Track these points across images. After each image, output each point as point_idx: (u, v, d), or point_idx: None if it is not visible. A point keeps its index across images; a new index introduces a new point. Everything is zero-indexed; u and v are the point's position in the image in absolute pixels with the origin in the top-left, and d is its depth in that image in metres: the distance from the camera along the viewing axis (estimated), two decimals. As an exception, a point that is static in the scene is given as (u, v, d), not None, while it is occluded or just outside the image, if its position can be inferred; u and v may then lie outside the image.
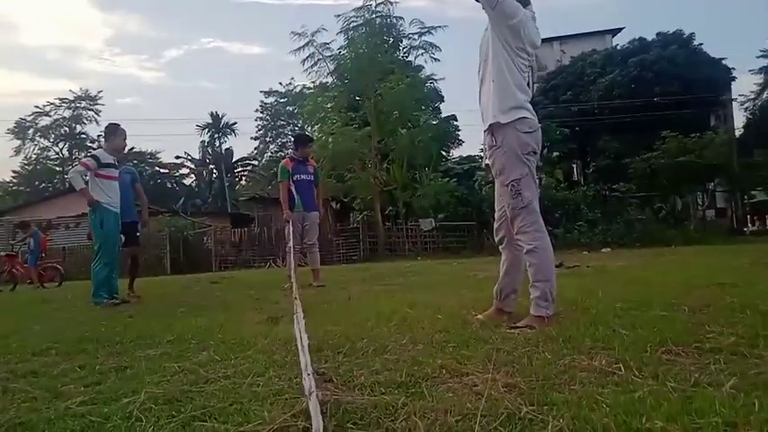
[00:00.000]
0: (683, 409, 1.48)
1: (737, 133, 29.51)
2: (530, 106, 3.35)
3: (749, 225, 31.69)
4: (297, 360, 2.47)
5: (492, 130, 3.31)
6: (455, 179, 25.12)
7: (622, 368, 1.99)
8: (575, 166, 31.62)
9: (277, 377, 2.22)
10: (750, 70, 32.09)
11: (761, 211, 33.77)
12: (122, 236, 7.14)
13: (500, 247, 3.58)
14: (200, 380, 2.25)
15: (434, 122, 26.69)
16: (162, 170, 59.44)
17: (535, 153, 3.33)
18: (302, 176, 7.84)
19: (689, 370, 1.92)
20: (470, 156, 34.12)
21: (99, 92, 58.02)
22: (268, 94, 56.52)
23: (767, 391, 1.61)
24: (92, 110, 56.69)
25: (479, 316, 3.44)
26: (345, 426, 1.59)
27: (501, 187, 3.37)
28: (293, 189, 7.81)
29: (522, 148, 3.24)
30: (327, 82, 25.98)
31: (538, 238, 3.24)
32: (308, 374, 1.94)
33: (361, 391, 1.95)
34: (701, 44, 27.99)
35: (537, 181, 3.41)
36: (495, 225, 3.56)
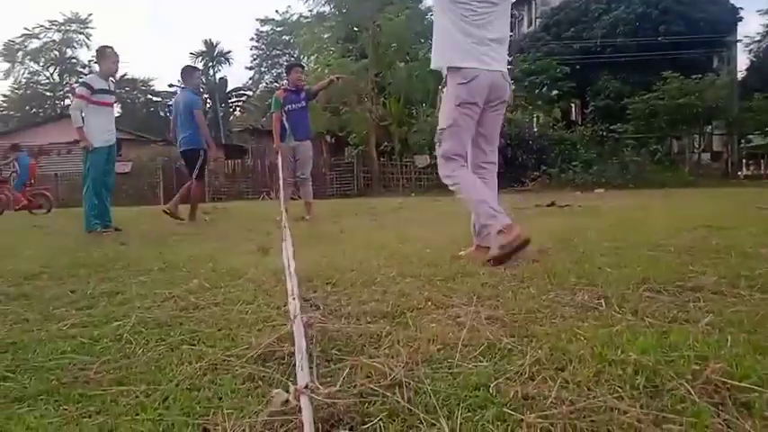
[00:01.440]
0: (657, 342, 1.52)
1: (740, 76, 29.07)
2: (477, 52, 3.24)
3: (743, 169, 31.68)
4: (286, 289, 2.51)
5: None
6: (452, 116, 24.84)
7: (604, 304, 2.03)
8: (573, 105, 31.24)
9: (266, 305, 2.25)
10: (758, 11, 31.30)
11: (756, 155, 33.66)
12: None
13: None
14: (190, 306, 2.28)
15: (433, 57, 26.12)
16: (155, 98, 58.38)
17: (472, 104, 3.26)
18: (293, 106, 7.72)
19: (668, 307, 1.97)
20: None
21: (89, 15, 56.32)
22: (264, 22, 55.02)
23: (741, 327, 1.66)
24: (82, 33, 55.13)
25: (462, 253, 3.45)
26: (329, 352, 1.63)
27: None
28: (284, 120, 7.72)
29: (454, 99, 3.23)
30: (325, 11, 25.33)
31: (457, 181, 3.31)
32: (293, 299, 1.97)
33: (348, 320, 1.99)
34: (710, -20, 27.20)
35: (473, 132, 3.37)
36: None
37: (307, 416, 1.05)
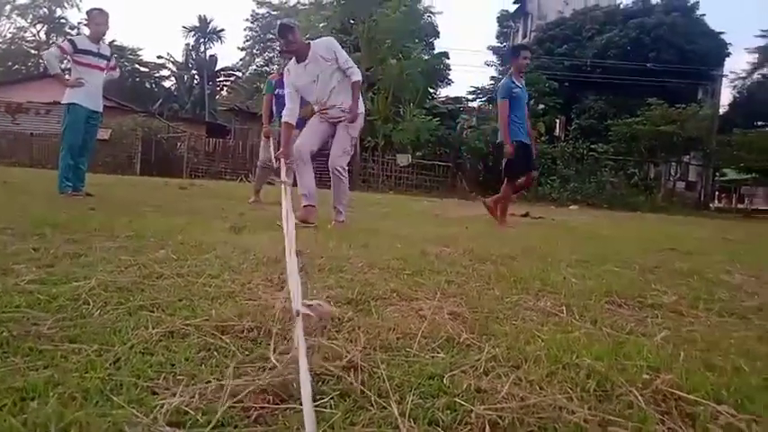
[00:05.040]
0: (612, 351, 1.54)
1: (722, 110, 29.63)
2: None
3: (715, 201, 32.32)
4: (252, 268, 2.51)
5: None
6: (438, 118, 24.90)
7: (565, 311, 2.06)
8: (558, 121, 31.58)
9: (231, 281, 2.23)
10: (746, 48, 32.04)
11: (729, 189, 34.38)
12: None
13: None
14: (154, 274, 2.25)
15: (426, 57, 26.18)
16: (142, 68, 57.43)
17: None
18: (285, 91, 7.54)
19: (627, 320, 2.00)
20: (458, 97, 33.81)
21: (82, -26, 54.97)
22: (261, 4, 54.53)
23: (695, 345, 1.69)
24: (73, -8, 53.78)
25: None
26: (289, 331, 1.63)
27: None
28: (273, 105, 7.58)
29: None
30: (323, 0, 25.17)
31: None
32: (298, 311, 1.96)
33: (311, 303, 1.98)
34: (704, 15, 27.79)
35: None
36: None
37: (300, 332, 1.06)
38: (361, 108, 5.02)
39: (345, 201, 5.09)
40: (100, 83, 6.47)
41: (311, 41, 4.99)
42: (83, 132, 6.37)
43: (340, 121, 5.00)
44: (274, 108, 7.54)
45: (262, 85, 7.92)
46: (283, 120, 5.21)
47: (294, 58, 4.98)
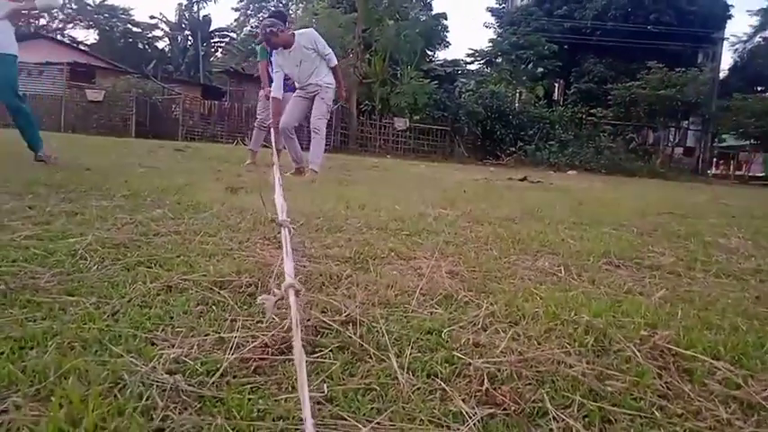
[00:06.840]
0: (610, 308, 1.55)
1: (722, 75, 29.30)
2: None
3: (713, 168, 32.22)
4: (249, 227, 2.50)
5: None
6: (436, 81, 24.57)
7: (563, 271, 2.06)
8: (557, 84, 31.25)
9: (228, 239, 2.23)
10: (748, 11, 31.43)
11: (727, 155, 34.25)
12: None
13: None
14: (151, 232, 2.24)
15: (423, 18, 25.75)
16: (134, 28, 56.34)
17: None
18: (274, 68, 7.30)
19: (624, 280, 2.00)
20: (455, 59, 33.31)
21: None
22: (254, -37, 53.36)
23: (692, 304, 1.70)
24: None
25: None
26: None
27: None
28: (271, 70, 7.43)
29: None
30: (320, -39, 24.64)
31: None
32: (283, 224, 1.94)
33: (309, 261, 1.98)
34: (706, -26, 27.18)
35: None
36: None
37: (294, 311, 1.04)
38: (331, 80, 5.98)
39: (320, 156, 6.06)
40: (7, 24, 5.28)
41: (294, 33, 5.87)
42: (7, 81, 5.41)
43: (316, 94, 5.99)
44: (272, 72, 7.39)
45: (257, 47, 7.86)
46: (272, 95, 6.12)
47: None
